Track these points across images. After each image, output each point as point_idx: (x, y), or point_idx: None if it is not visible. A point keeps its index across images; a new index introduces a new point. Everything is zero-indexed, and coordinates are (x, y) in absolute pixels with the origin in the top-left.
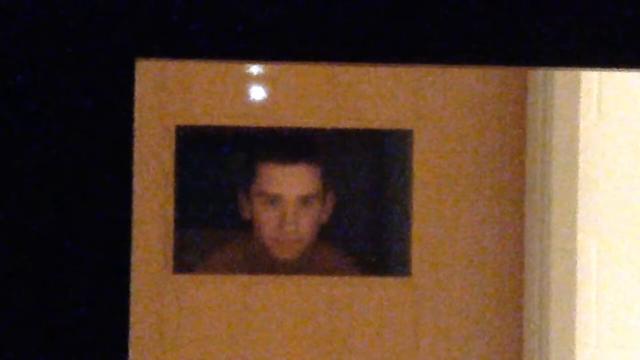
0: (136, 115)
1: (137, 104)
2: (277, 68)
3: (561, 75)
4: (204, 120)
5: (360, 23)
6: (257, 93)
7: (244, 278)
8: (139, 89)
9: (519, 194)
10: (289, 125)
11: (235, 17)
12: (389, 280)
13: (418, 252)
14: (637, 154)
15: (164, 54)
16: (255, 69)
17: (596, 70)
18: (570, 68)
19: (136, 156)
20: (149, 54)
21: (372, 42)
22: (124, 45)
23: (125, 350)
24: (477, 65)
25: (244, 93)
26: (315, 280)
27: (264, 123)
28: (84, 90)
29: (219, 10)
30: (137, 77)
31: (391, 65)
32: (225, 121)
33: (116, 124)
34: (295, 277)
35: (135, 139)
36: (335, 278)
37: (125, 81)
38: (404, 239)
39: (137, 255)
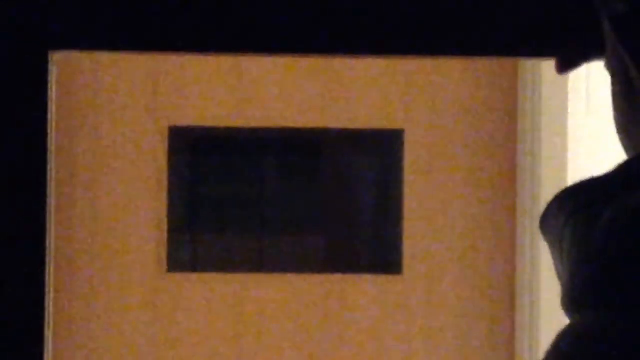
0: (128, 115)
1: (129, 105)
2: (270, 69)
3: (550, 73)
4: (197, 121)
5: (341, 13)
6: (250, 94)
7: (237, 276)
8: (131, 89)
9: (510, 192)
10: (281, 125)
11: (151, 6)
12: (381, 279)
13: (409, 250)
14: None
15: (79, 45)
16: (248, 70)
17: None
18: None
19: (130, 157)
20: (63, 46)
21: (357, 34)
22: (37, 38)
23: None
24: (464, 56)
25: (237, 94)
26: (308, 278)
27: (255, 124)
28: None
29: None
30: (52, 70)
31: (375, 56)
32: (219, 122)
33: (31, 119)
34: (288, 275)
35: (128, 140)
36: (328, 276)
37: (39, 74)
38: (396, 238)
39: (131, 254)
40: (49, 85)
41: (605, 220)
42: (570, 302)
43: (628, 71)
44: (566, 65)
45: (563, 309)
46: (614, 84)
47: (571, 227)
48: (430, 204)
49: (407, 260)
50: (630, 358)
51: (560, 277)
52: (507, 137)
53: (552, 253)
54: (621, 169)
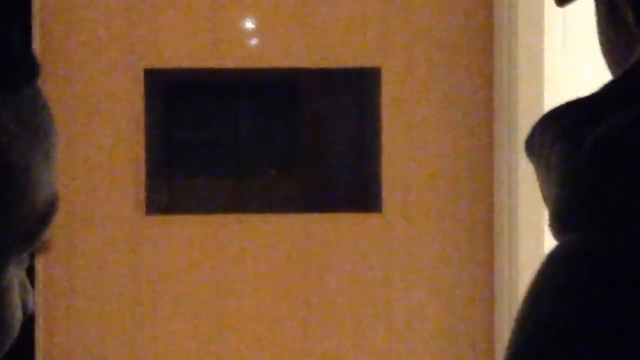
0: (103, 58)
1: (101, 44)
2: (246, 9)
3: (525, 9)
4: (173, 63)
5: None
6: (226, 35)
7: (216, 217)
8: (106, 32)
9: (487, 126)
10: (258, 66)
11: None
12: (361, 217)
13: (388, 187)
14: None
15: None
16: (223, 11)
17: None
18: None
19: (105, 100)
20: None
21: None
22: None
23: None
24: None
25: (213, 35)
26: (288, 217)
27: (232, 65)
28: None
29: None
30: (36, 3)
31: None
32: (194, 63)
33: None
34: (267, 215)
35: (104, 84)
36: (308, 215)
37: (21, 5)
38: (375, 176)
39: (110, 198)
40: (32, 15)
41: (591, 140)
42: (558, 222)
43: None
44: None
45: (550, 230)
46: (597, 6)
47: (558, 148)
48: (408, 141)
49: (386, 198)
50: (618, 274)
51: (546, 199)
52: (484, 73)
53: (538, 175)
54: (606, 89)
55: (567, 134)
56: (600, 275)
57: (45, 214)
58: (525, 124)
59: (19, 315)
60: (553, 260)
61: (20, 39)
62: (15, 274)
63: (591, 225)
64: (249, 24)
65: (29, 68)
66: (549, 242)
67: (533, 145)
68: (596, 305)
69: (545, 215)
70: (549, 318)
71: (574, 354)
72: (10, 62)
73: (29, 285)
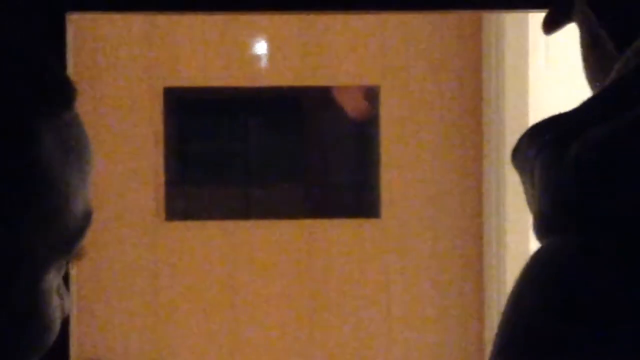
0: (125, 78)
1: (124, 66)
2: (255, 34)
3: (512, 31)
4: (189, 82)
5: None
6: (237, 56)
7: (228, 223)
8: (127, 54)
9: (476, 140)
10: (267, 84)
11: None
12: (361, 222)
13: (386, 195)
14: (581, 99)
15: (94, 7)
16: (235, 35)
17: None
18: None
19: (128, 117)
20: (79, 7)
21: None
22: (55, 0)
23: None
24: (435, 10)
25: (226, 56)
26: (293, 223)
27: (243, 84)
28: (16, 47)
29: None
30: (69, 30)
31: (356, 12)
32: (209, 82)
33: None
34: (275, 221)
35: (126, 101)
36: (312, 221)
37: (56, 35)
38: (374, 184)
39: (132, 206)
40: (67, 45)
41: (574, 150)
42: (542, 226)
43: (593, 25)
44: (551, 26)
45: (535, 234)
46: (582, 36)
47: (542, 157)
48: (404, 153)
49: (384, 205)
50: (598, 274)
51: (530, 205)
52: (473, 90)
53: (524, 184)
54: (585, 105)
55: (550, 145)
56: (580, 275)
57: (81, 226)
58: (511, 137)
59: (58, 316)
60: (536, 261)
61: (59, 65)
62: (55, 279)
63: (573, 229)
64: (258, 47)
65: (67, 93)
66: (534, 247)
67: (519, 156)
68: (576, 304)
69: (530, 221)
70: (531, 314)
71: (555, 348)
72: (52, 88)
73: (65, 289)
